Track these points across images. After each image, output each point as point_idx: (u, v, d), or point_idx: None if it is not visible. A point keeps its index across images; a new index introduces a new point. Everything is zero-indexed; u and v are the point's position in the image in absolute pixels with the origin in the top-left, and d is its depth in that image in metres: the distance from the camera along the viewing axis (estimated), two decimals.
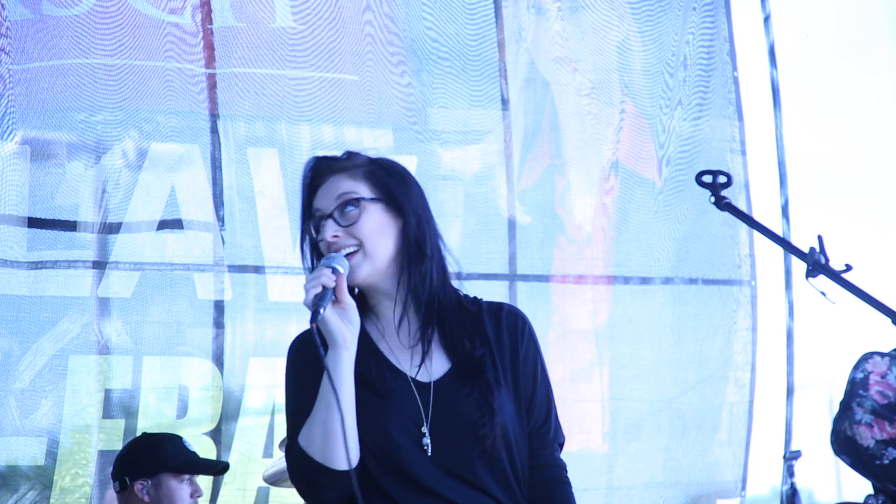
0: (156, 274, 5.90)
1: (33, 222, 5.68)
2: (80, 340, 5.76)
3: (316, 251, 3.25)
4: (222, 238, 6.01)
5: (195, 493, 5.29)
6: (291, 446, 3.16)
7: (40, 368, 5.69)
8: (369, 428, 3.13)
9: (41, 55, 5.71)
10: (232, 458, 5.96)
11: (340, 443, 3.06)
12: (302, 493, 3.17)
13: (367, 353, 3.20)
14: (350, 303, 3.14)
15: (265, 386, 6.02)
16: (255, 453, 6.04)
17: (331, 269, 3.12)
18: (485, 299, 3.33)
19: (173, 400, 5.94)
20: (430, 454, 3.13)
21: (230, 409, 6.00)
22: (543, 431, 3.29)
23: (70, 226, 5.75)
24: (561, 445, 3.34)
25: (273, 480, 5.30)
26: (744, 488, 7.00)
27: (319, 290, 3.09)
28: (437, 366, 3.22)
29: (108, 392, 5.82)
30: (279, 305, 6.04)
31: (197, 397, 5.98)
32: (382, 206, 3.23)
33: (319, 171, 3.28)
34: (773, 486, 7.40)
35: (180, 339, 5.93)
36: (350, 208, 3.21)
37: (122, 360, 5.85)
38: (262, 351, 6.03)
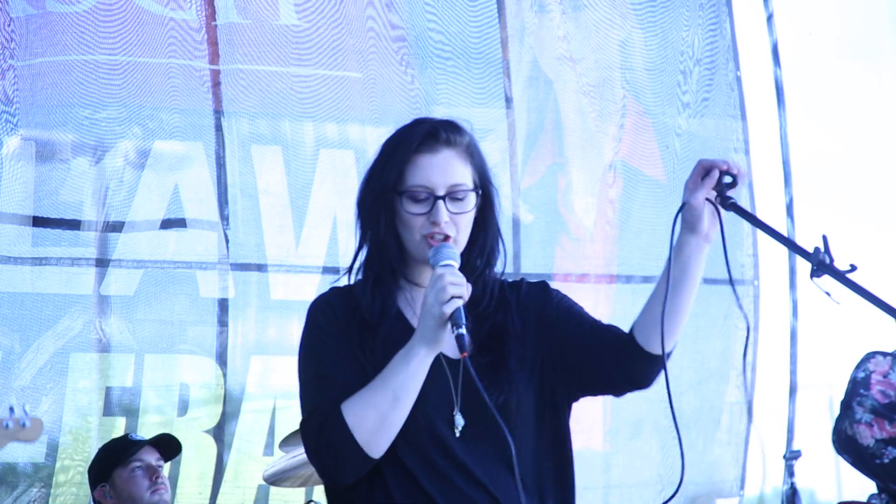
0: (158, 272, 5.89)
1: (38, 221, 5.67)
2: (82, 338, 5.75)
3: (386, 215, 3.02)
4: (226, 236, 6.00)
5: (156, 476, 5.22)
6: (319, 413, 2.98)
7: (41, 366, 5.68)
8: None
9: (45, 51, 5.69)
10: (232, 457, 5.96)
11: (391, 437, 2.95)
12: (320, 464, 3.00)
13: (402, 329, 3.04)
14: None
15: (266, 384, 6.01)
16: (256, 452, 6.03)
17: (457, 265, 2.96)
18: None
19: (174, 398, 5.93)
20: (458, 436, 2.99)
21: (231, 408, 5.99)
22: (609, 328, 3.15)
23: (74, 224, 5.74)
24: None
25: (273, 480, 5.28)
26: (742, 487, 7.00)
27: (461, 303, 2.91)
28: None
29: (108, 390, 5.81)
30: (281, 304, 6.03)
31: (198, 395, 5.97)
32: (477, 194, 3.08)
33: (437, 139, 3.05)
34: (773, 486, 7.39)
35: (182, 337, 5.92)
36: (461, 199, 3.04)
37: (124, 357, 5.84)
38: (264, 349, 6.01)
